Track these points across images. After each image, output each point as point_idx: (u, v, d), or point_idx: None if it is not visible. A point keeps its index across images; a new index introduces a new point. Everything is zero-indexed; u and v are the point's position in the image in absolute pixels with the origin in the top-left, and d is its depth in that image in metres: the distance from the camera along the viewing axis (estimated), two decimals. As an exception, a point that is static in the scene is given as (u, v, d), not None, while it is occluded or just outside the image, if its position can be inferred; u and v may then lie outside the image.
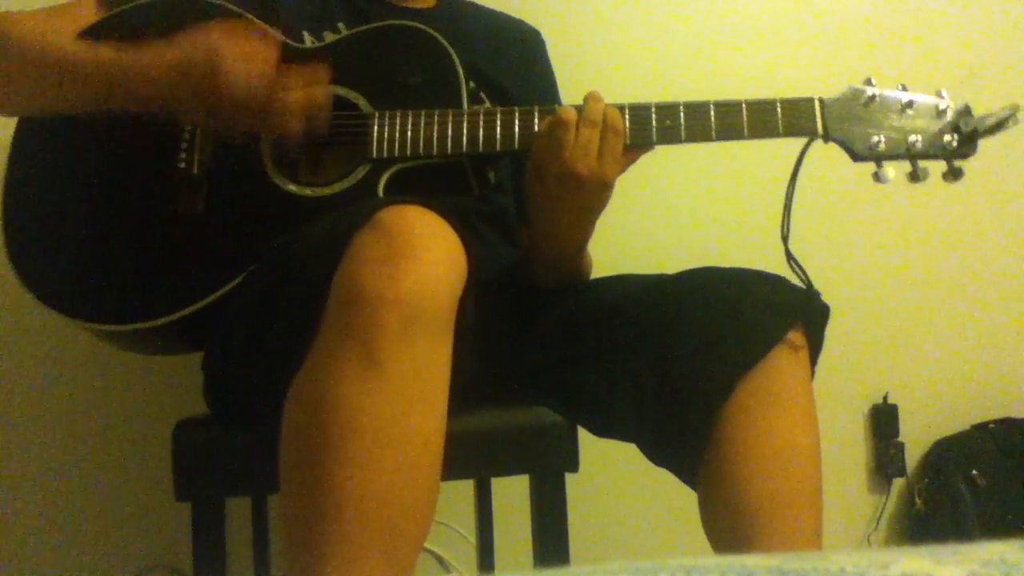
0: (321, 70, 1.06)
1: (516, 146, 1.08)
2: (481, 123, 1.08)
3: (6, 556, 1.56)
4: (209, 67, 0.98)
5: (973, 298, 1.87)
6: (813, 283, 1.03)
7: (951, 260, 1.87)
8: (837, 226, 1.83)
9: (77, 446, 1.59)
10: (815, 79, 1.72)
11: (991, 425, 1.81)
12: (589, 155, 1.02)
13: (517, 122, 1.08)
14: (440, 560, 1.66)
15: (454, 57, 1.13)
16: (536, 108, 1.09)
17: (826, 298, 1.04)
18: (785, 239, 1.04)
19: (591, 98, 1.04)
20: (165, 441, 1.01)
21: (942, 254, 1.87)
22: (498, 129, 1.08)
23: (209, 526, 1.01)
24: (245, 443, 0.98)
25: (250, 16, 1.12)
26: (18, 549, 1.57)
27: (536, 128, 1.07)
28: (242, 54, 0.99)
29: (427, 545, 1.64)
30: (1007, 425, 1.80)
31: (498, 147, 1.08)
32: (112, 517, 1.59)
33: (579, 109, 1.04)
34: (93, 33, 1.13)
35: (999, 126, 1.01)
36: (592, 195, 1.05)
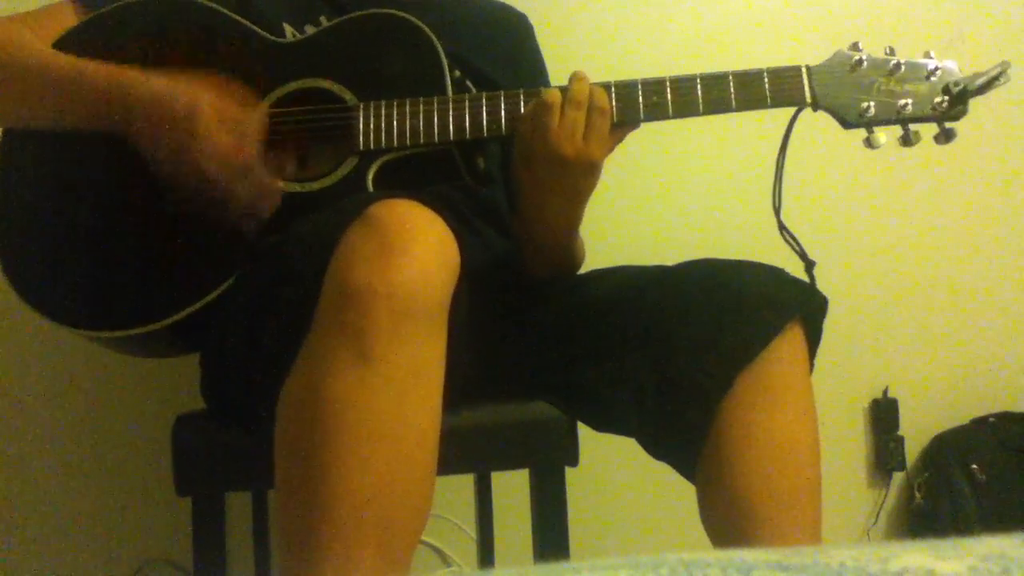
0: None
1: (503, 131, 1.07)
2: (467, 109, 1.07)
3: (7, 551, 1.57)
4: (188, 112, 0.98)
5: (973, 292, 1.87)
6: (807, 253, 1.02)
7: (951, 253, 1.87)
8: (836, 220, 1.82)
9: (77, 441, 1.59)
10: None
11: (991, 419, 1.81)
12: (575, 137, 1.02)
13: (503, 106, 1.07)
14: (440, 554, 1.66)
15: (437, 45, 1.12)
16: (521, 92, 1.08)
17: (825, 291, 1.04)
18: (777, 211, 1.04)
19: (575, 78, 1.04)
20: (165, 436, 1.01)
21: (942, 247, 1.86)
22: (484, 114, 1.07)
23: (209, 521, 1.01)
24: (245, 438, 0.98)
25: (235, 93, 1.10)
26: (19, 544, 1.57)
27: (521, 110, 1.07)
28: (225, 121, 1.00)
29: (427, 539, 1.64)
30: (1007, 419, 1.80)
31: (485, 132, 1.07)
32: (113, 512, 1.59)
33: (564, 90, 1.03)
34: (73, 39, 1.12)
35: (989, 84, 0.99)
36: (580, 177, 1.04)
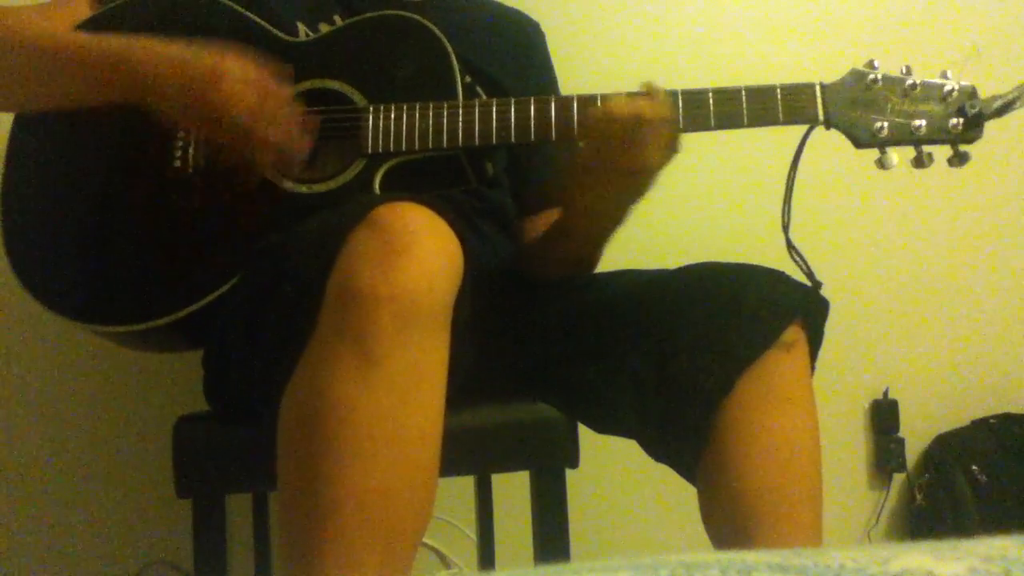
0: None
1: (512, 138, 1.07)
2: (477, 115, 1.07)
3: (8, 553, 1.57)
4: (213, 73, 0.98)
5: (973, 293, 1.87)
6: (815, 272, 1.02)
7: (951, 255, 1.87)
8: (837, 220, 1.82)
9: (78, 442, 1.59)
10: (817, 64, 1.71)
11: (991, 420, 1.81)
12: (644, 147, 0.99)
13: (512, 114, 1.07)
14: (441, 556, 1.66)
15: (449, 48, 1.12)
16: (532, 99, 1.07)
17: (826, 293, 1.03)
18: (786, 229, 1.04)
19: (649, 88, 1.02)
20: (166, 437, 1.01)
21: (942, 249, 1.86)
22: (494, 121, 1.07)
23: (210, 522, 1.01)
24: (246, 439, 0.98)
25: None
26: (20, 546, 1.57)
27: (531, 119, 1.06)
28: (248, 78, 0.99)
29: (428, 541, 1.64)
30: (1007, 420, 1.80)
31: (494, 140, 1.07)
32: (113, 513, 1.59)
33: (630, 97, 1.01)
34: (88, 27, 1.12)
35: (1007, 108, 0.98)
36: (643, 185, 1.04)
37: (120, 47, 1.03)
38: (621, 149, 1.00)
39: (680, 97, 1.04)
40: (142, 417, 1.58)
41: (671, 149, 1.02)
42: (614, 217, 1.10)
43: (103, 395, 1.59)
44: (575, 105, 1.06)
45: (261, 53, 1.03)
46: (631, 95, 1.02)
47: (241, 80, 0.98)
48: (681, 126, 1.03)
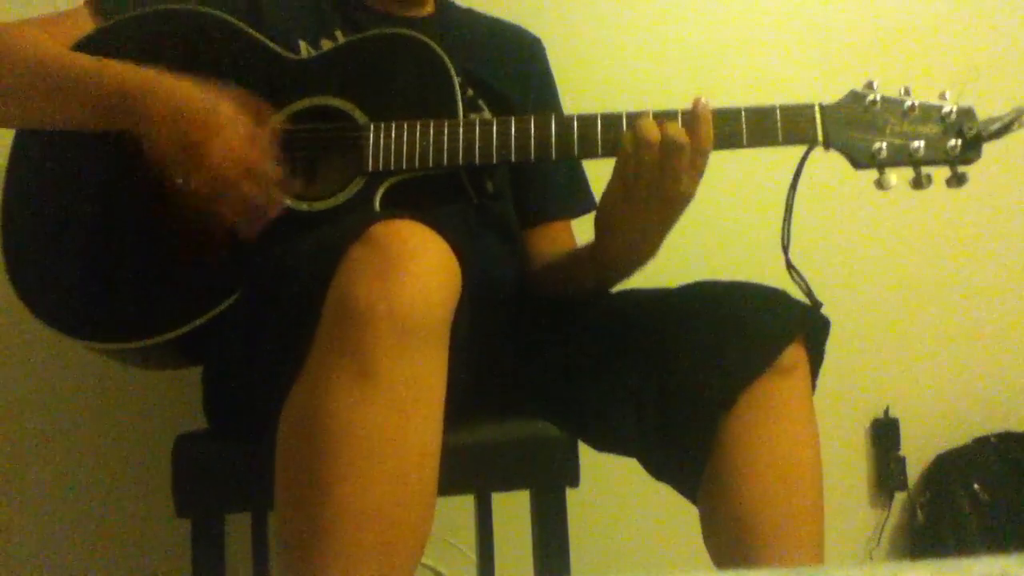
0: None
1: (512, 157, 1.07)
2: (477, 134, 1.07)
3: (7, 571, 1.56)
4: (204, 119, 0.99)
5: (974, 310, 1.87)
6: (814, 292, 1.02)
7: (952, 272, 1.87)
8: (837, 237, 1.83)
9: (78, 460, 1.59)
10: (816, 84, 1.72)
11: (992, 438, 1.80)
12: (677, 173, 0.97)
13: (513, 132, 1.07)
14: (440, 576, 1.65)
15: (449, 65, 1.12)
16: (532, 117, 1.08)
17: (826, 310, 1.03)
18: (785, 249, 1.04)
19: (698, 118, 0.98)
20: (165, 456, 1.01)
21: (943, 266, 1.87)
22: (494, 140, 1.07)
23: (209, 542, 1.01)
24: (245, 459, 0.98)
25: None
26: (18, 565, 1.56)
27: (531, 138, 1.06)
28: (238, 131, 1.00)
29: (427, 561, 1.63)
30: (1008, 438, 1.80)
31: (495, 159, 1.07)
32: (112, 533, 1.58)
33: (661, 122, 0.98)
34: (87, 46, 1.13)
35: (1005, 129, 0.98)
36: (676, 211, 1.02)
37: (116, 74, 1.03)
38: (653, 176, 0.98)
39: (680, 117, 1.04)
40: (141, 435, 1.58)
41: (701, 174, 1.00)
42: (646, 245, 1.07)
43: (103, 412, 1.59)
44: (575, 124, 1.06)
45: (252, 84, 1.04)
46: (665, 114, 1.01)
47: (231, 127, 0.99)
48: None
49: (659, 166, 0.97)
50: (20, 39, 1.10)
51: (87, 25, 1.17)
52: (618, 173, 1.02)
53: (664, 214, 1.01)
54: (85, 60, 1.07)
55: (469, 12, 1.40)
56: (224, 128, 0.99)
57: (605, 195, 1.05)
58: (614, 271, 1.13)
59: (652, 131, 0.97)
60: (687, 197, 1.00)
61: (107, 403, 1.59)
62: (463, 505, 1.50)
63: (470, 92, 1.21)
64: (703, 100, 1.00)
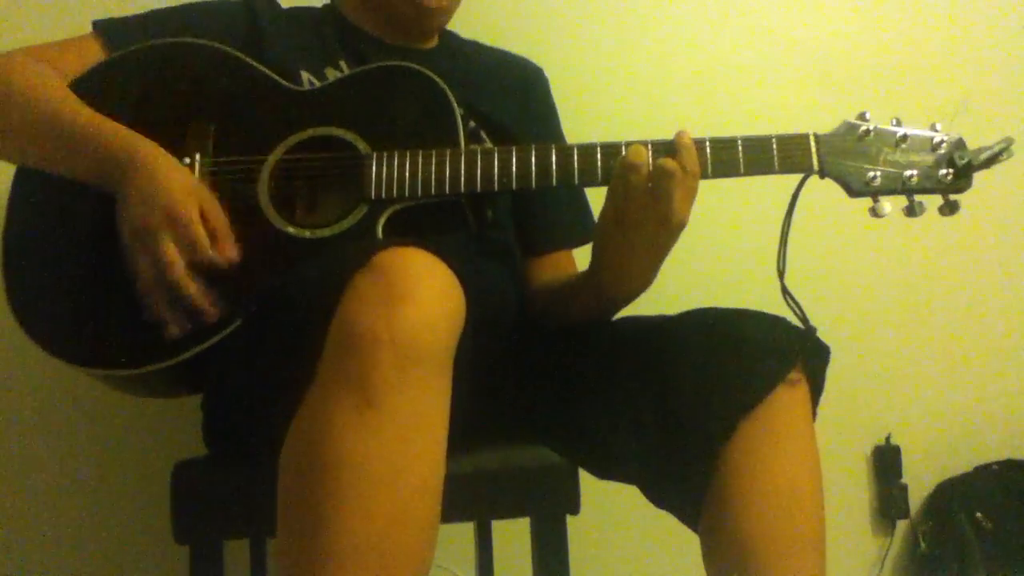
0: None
1: (514, 186, 1.08)
2: (479, 163, 1.08)
3: (1, 600, 1.55)
4: (165, 201, 1.00)
5: (975, 337, 1.87)
6: (809, 318, 1.03)
7: (952, 299, 1.87)
8: (838, 265, 1.83)
9: (76, 486, 1.58)
10: (809, 116, 1.73)
11: (995, 466, 1.80)
12: (667, 198, 0.98)
13: (514, 161, 1.08)
14: (440, 604, 1.64)
15: (451, 98, 1.13)
16: (533, 147, 1.08)
17: (826, 338, 1.04)
18: (781, 275, 1.04)
19: (680, 140, 1.01)
20: (163, 483, 1.01)
21: (943, 292, 1.87)
22: (496, 169, 1.08)
23: (207, 569, 1.00)
24: (244, 485, 0.98)
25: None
26: (15, 591, 1.56)
27: (532, 166, 1.07)
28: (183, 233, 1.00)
29: (427, 588, 1.62)
30: (1011, 466, 1.79)
31: (496, 187, 1.08)
32: (111, 558, 1.58)
33: (647, 147, 1.00)
34: (93, 78, 1.15)
35: (993, 159, 1.00)
36: (669, 238, 1.02)
37: (106, 143, 1.05)
38: (644, 201, 0.99)
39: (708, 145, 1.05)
40: (140, 461, 1.58)
41: (693, 200, 1.01)
42: (641, 272, 1.07)
43: (102, 438, 1.59)
44: (575, 153, 1.07)
45: (254, 118, 1.07)
46: (657, 144, 1.02)
47: (180, 225, 0.99)
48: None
49: (649, 190, 0.98)
50: (23, 76, 1.12)
51: (93, 52, 1.18)
52: (610, 196, 1.03)
53: (657, 239, 1.02)
54: (82, 116, 1.08)
55: (473, 44, 1.41)
56: (170, 222, 1.00)
57: (599, 219, 1.06)
58: (609, 298, 1.13)
59: (640, 156, 0.98)
60: (679, 222, 1.00)
61: (106, 429, 1.58)
62: (463, 533, 1.50)
63: (472, 123, 1.22)
64: (684, 132, 1.02)
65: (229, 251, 1.03)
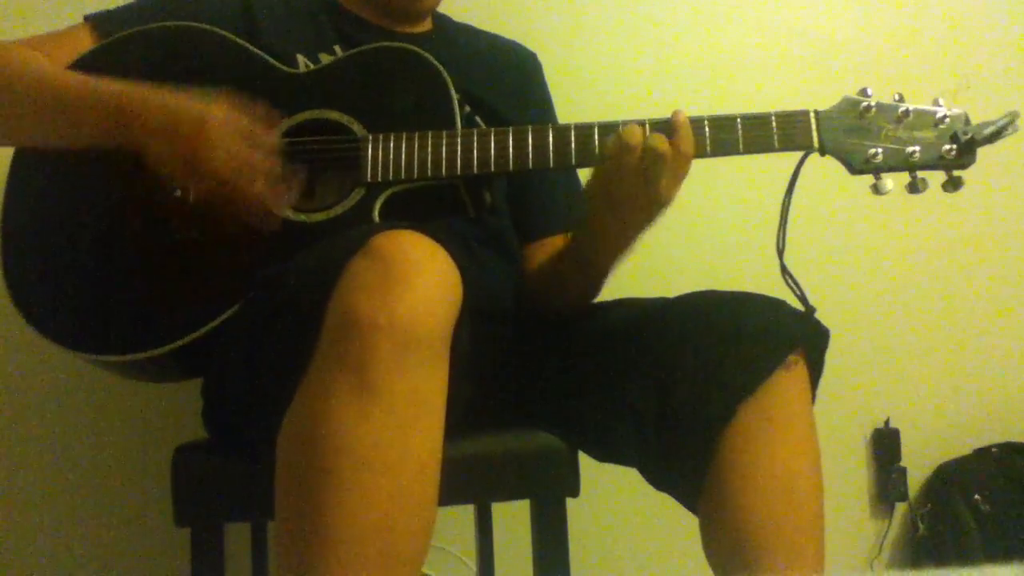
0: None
1: (511, 167, 1.07)
2: (475, 145, 1.08)
3: (4, 582, 1.56)
4: (198, 123, 0.99)
5: (975, 320, 1.87)
6: (808, 298, 1.02)
7: (952, 282, 1.87)
8: (836, 246, 1.83)
9: (77, 471, 1.58)
10: (809, 93, 1.73)
11: (993, 449, 1.80)
12: (657, 179, 0.98)
13: (511, 143, 1.08)
14: (440, 586, 1.65)
15: (448, 79, 1.13)
16: (530, 128, 1.08)
17: (826, 321, 1.03)
18: (780, 253, 1.04)
19: (677, 125, 1.00)
20: (164, 466, 1.01)
21: (943, 275, 1.87)
22: (492, 150, 1.07)
23: (208, 552, 1.01)
24: (245, 469, 0.98)
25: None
26: (19, 574, 1.56)
27: (529, 148, 1.07)
28: (233, 128, 1.00)
29: (428, 571, 1.63)
30: (1009, 449, 1.80)
31: (493, 168, 1.07)
32: (112, 542, 1.58)
33: (643, 128, 1.00)
34: (86, 63, 1.13)
35: (998, 134, 0.99)
36: (655, 215, 1.03)
37: (112, 92, 1.04)
38: (635, 180, 0.99)
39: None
40: (141, 446, 1.58)
41: (681, 180, 1.01)
42: (623, 244, 1.09)
43: (103, 423, 1.59)
44: (572, 134, 1.07)
45: (251, 96, 1.04)
46: (654, 123, 1.02)
47: (226, 131, 0.99)
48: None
49: (640, 171, 0.98)
50: (16, 59, 1.11)
51: (86, 43, 1.17)
52: (600, 173, 1.03)
53: (643, 215, 1.02)
54: (80, 79, 1.08)
55: (466, 28, 1.40)
56: (218, 133, 0.99)
57: (585, 192, 1.06)
58: (593, 265, 1.13)
59: (635, 137, 0.98)
60: (666, 202, 1.00)
61: (107, 414, 1.59)
62: (463, 515, 1.50)
63: (467, 109, 1.22)
64: (680, 111, 1.01)
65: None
